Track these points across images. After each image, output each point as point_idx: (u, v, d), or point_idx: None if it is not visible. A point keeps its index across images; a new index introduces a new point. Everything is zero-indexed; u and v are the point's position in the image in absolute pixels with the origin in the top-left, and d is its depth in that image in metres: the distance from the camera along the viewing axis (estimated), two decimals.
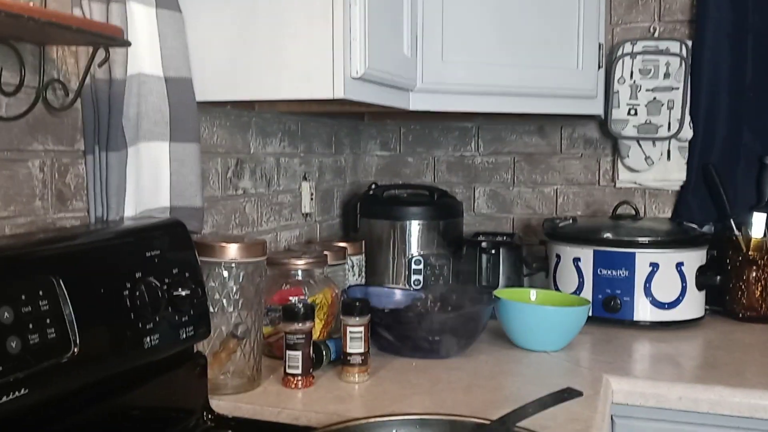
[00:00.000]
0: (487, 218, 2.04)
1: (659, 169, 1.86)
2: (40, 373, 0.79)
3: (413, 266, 1.78)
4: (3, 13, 0.74)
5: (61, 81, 1.00)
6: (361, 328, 1.24)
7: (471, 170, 2.06)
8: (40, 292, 0.82)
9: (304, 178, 1.76)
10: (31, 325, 0.79)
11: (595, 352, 1.45)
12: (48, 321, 0.82)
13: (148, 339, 0.95)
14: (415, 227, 1.80)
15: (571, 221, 1.76)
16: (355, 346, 1.24)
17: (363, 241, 1.75)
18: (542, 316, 1.44)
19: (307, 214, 1.78)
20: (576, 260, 1.64)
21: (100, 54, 0.98)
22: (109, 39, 0.93)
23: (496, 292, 1.50)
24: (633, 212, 1.75)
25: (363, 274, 1.73)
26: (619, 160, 1.90)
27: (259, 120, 1.56)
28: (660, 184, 1.88)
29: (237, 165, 1.49)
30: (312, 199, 1.79)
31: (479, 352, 1.41)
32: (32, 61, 0.96)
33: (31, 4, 0.85)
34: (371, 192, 1.91)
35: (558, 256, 1.69)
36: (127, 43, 0.98)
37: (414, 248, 1.79)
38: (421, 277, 1.78)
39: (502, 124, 2.00)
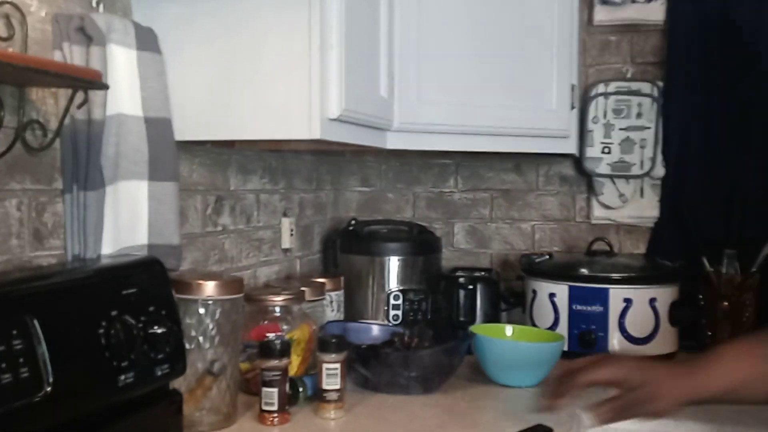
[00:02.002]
0: (465, 253, 2.07)
1: (633, 206, 1.90)
2: (12, 413, 0.80)
3: (392, 301, 1.79)
4: None
5: (40, 122, 1.02)
6: (338, 365, 1.25)
7: (450, 206, 2.09)
8: (14, 332, 0.83)
9: (285, 214, 1.78)
10: (3, 365, 0.80)
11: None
12: (21, 360, 0.82)
13: (122, 377, 0.96)
14: (394, 263, 1.82)
15: (547, 257, 1.79)
16: (332, 382, 1.25)
17: (342, 277, 1.76)
18: (517, 351, 1.45)
19: (287, 250, 1.79)
20: (551, 296, 1.67)
21: (80, 96, 1.00)
22: (88, 83, 0.95)
23: (472, 328, 1.52)
24: (608, 248, 1.78)
25: (342, 309, 1.74)
26: (593, 197, 1.94)
27: (239, 157, 1.58)
28: (634, 220, 1.91)
29: (216, 202, 1.51)
30: (292, 234, 1.80)
31: (455, 387, 1.42)
32: (11, 102, 0.98)
33: (10, 50, 0.87)
34: (351, 228, 1.93)
35: (534, 292, 1.71)
36: (106, 87, 1.00)
37: (393, 283, 1.81)
38: (399, 313, 1.79)
39: (480, 161, 2.04)
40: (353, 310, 1.79)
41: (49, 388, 0.84)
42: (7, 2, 0.96)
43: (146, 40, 1.15)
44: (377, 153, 1.99)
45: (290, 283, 1.62)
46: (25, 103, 0.98)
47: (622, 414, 1.00)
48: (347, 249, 1.87)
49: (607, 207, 1.91)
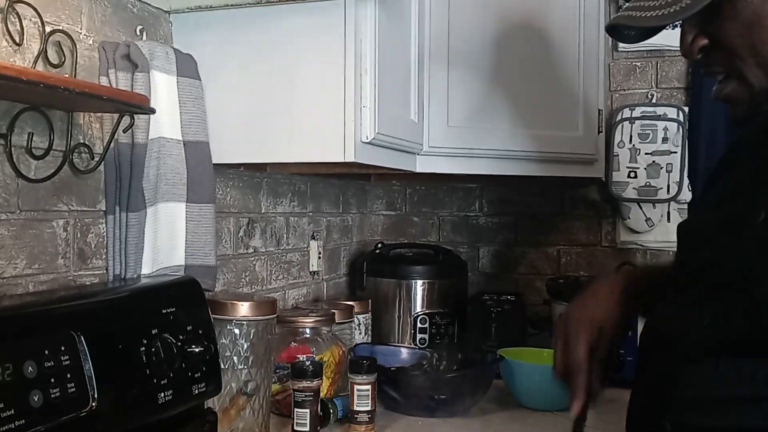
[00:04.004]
0: (491, 277, 2.07)
1: (660, 231, 1.90)
2: (60, 427, 0.81)
3: (419, 325, 1.80)
4: (41, 84, 0.79)
5: (87, 145, 1.06)
6: (368, 386, 1.26)
7: (475, 230, 2.10)
8: (62, 348, 0.85)
9: (313, 237, 1.80)
10: (53, 380, 0.82)
11: (599, 411, 1.45)
12: (69, 376, 0.84)
13: (162, 395, 0.97)
14: (420, 286, 1.83)
15: (573, 281, 1.78)
16: (362, 403, 1.26)
17: (369, 300, 1.77)
18: (546, 374, 1.45)
19: (314, 273, 1.81)
20: None
21: (125, 120, 1.04)
22: (136, 107, 0.98)
23: (500, 351, 1.52)
24: None
25: (369, 332, 1.75)
26: (620, 222, 1.94)
27: (270, 181, 1.61)
28: (660, 245, 1.91)
29: (248, 224, 1.53)
30: (320, 257, 1.82)
31: (484, 411, 1.42)
32: (60, 126, 1.01)
33: (66, 75, 0.90)
34: (377, 251, 1.94)
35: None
36: (153, 111, 1.03)
37: (419, 307, 1.82)
38: (426, 336, 1.80)
39: (505, 185, 2.05)
40: (380, 333, 1.80)
41: (94, 404, 0.86)
42: (59, 30, 1.00)
43: (186, 66, 1.19)
44: (402, 177, 2.01)
45: (319, 306, 1.63)
46: (74, 127, 1.02)
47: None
48: (374, 272, 1.88)
49: (634, 231, 1.91)
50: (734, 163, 0.84)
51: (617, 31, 0.88)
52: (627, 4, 0.84)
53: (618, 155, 1.88)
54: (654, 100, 1.92)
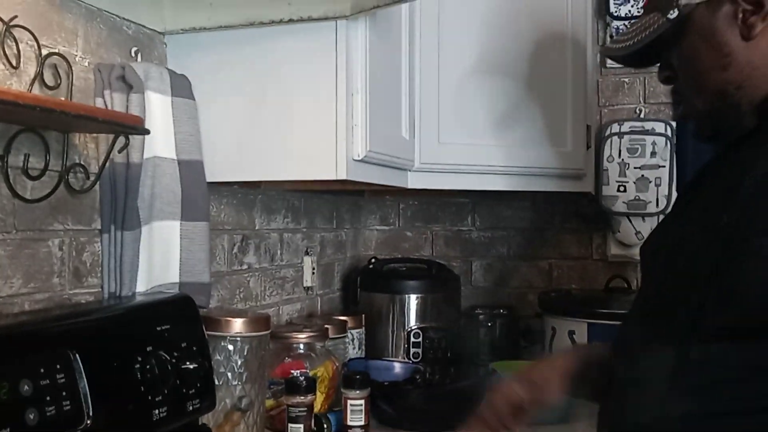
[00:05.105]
0: (483, 291, 2.09)
1: None
2: None
3: (412, 339, 1.81)
4: (38, 108, 0.81)
5: (82, 165, 1.07)
6: (362, 401, 1.28)
7: (468, 244, 2.11)
8: (58, 366, 0.86)
9: (306, 253, 1.82)
10: (48, 398, 0.83)
11: (592, 423, 1.46)
12: (64, 393, 0.85)
13: (156, 411, 0.99)
14: (413, 300, 1.84)
15: (565, 294, 1.80)
16: (356, 418, 1.27)
17: (363, 315, 1.79)
18: None
19: (308, 288, 1.82)
20: (571, 333, 1.68)
21: (120, 140, 1.05)
22: (131, 128, 1.00)
23: (494, 365, 1.54)
24: (625, 285, 1.79)
25: (363, 346, 1.76)
26: (610, 235, 1.96)
27: (264, 198, 1.63)
28: None
29: (242, 241, 1.55)
30: (313, 273, 1.84)
31: None
32: (56, 147, 1.03)
33: (62, 98, 0.92)
34: (371, 266, 1.96)
35: (553, 329, 1.73)
36: (147, 132, 1.05)
37: (413, 321, 1.83)
38: (420, 350, 1.81)
39: (497, 200, 2.07)
40: (374, 348, 1.81)
41: (89, 421, 0.87)
42: (55, 53, 1.02)
43: (180, 87, 1.21)
44: (395, 192, 2.03)
45: (312, 321, 1.64)
46: (69, 148, 1.03)
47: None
48: (367, 287, 1.89)
49: (624, 244, 1.93)
50: (703, 179, 0.94)
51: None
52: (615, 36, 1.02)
53: (607, 170, 1.90)
54: (642, 115, 1.95)
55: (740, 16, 0.85)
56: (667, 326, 0.83)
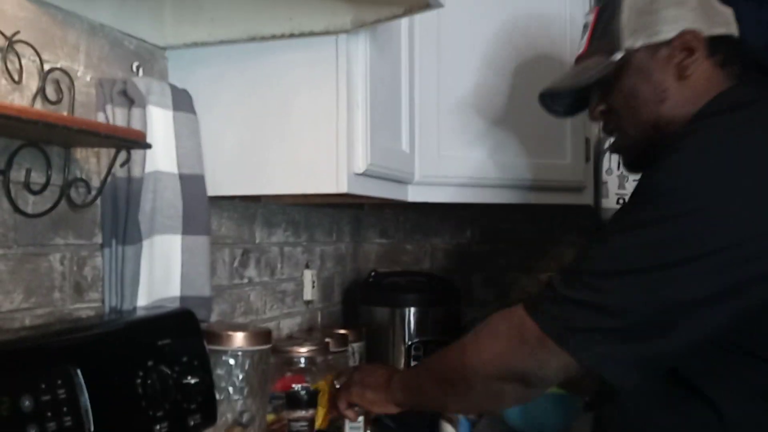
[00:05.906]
0: (483, 304, 2.08)
1: None
2: None
3: (413, 352, 1.81)
4: (41, 123, 0.81)
5: (84, 179, 1.07)
6: (363, 416, 1.27)
7: (468, 257, 2.11)
8: (59, 381, 0.86)
9: (307, 266, 1.81)
10: (49, 413, 0.83)
11: None
12: (65, 409, 0.85)
13: (158, 426, 0.98)
14: (414, 314, 1.84)
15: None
16: None
17: (363, 328, 1.78)
18: (540, 400, 1.46)
19: (308, 302, 1.82)
20: None
21: (122, 155, 1.05)
22: (132, 142, 1.00)
23: None
24: None
25: (364, 360, 1.75)
26: None
27: (264, 211, 1.63)
28: None
29: (243, 255, 1.55)
30: (314, 286, 1.83)
31: None
32: (58, 161, 1.03)
33: (65, 113, 0.93)
34: (371, 279, 1.96)
35: None
36: (149, 146, 1.05)
37: (413, 334, 1.83)
38: None
39: (496, 212, 2.08)
40: (374, 361, 1.80)
41: None
42: (57, 68, 1.02)
43: (182, 101, 1.21)
44: (395, 205, 2.03)
45: (313, 335, 1.64)
46: (71, 163, 1.03)
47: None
48: (367, 300, 1.89)
49: None
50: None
51: (544, 101, 1.22)
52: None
53: (607, 182, 1.90)
54: None
55: (674, 61, 0.98)
56: None
